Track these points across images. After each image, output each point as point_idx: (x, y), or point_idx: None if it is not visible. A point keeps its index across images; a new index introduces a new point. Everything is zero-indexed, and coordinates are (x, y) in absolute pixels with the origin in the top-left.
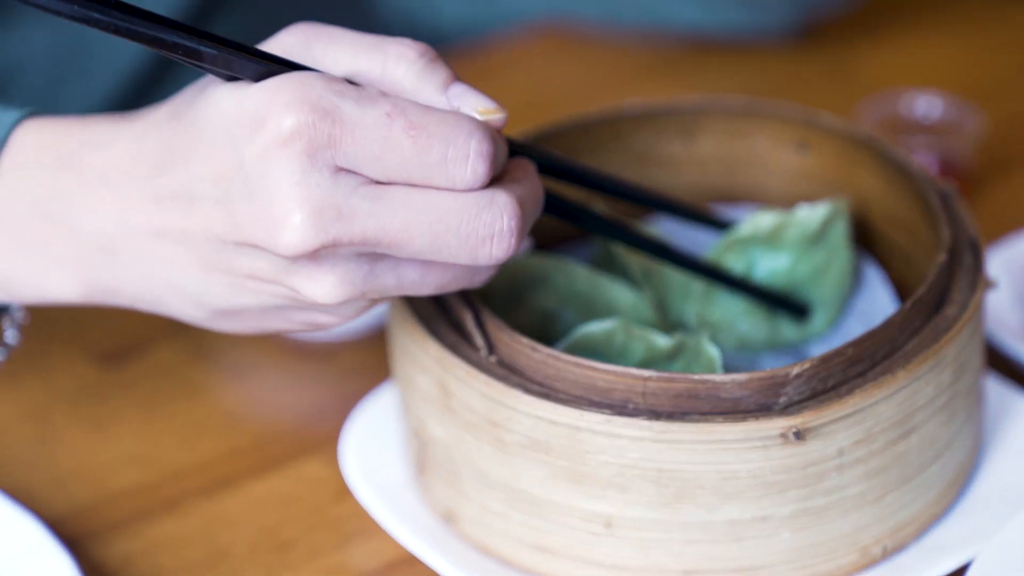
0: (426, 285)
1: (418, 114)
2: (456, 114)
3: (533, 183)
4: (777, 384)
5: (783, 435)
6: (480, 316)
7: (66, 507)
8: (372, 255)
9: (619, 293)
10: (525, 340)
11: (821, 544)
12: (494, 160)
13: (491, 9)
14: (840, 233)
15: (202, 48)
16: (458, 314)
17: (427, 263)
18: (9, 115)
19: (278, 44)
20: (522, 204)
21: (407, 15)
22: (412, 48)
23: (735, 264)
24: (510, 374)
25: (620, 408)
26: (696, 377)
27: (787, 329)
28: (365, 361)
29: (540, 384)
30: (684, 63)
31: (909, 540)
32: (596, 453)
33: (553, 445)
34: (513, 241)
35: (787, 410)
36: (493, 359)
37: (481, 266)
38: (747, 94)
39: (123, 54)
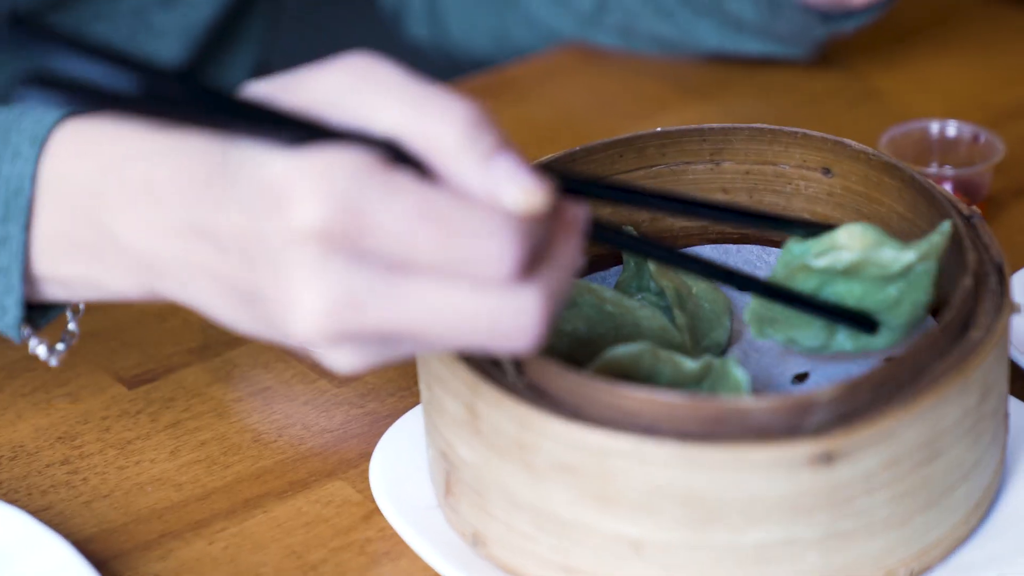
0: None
1: (448, 208)
2: (489, 211)
3: (569, 259)
4: (805, 408)
5: (811, 459)
6: None
7: (95, 528)
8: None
9: (647, 316)
10: (554, 364)
11: (847, 567)
12: (524, 258)
13: (506, 43)
14: (925, 271)
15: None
16: None
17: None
18: (49, 116)
19: (329, 78)
20: (552, 298)
21: (426, 47)
22: (461, 109)
23: (802, 285)
24: (539, 397)
25: (649, 431)
26: (725, 401)
27: (844, 339)
28: (390, 382)
29: (569, 407)
30: (707, 84)
31: (935, 563)
32: (625, 476)
33: (582, 468)
34: (536, 338)
35: (815, 434)
36: (522, 382)
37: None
38: (769, 119)
39: None
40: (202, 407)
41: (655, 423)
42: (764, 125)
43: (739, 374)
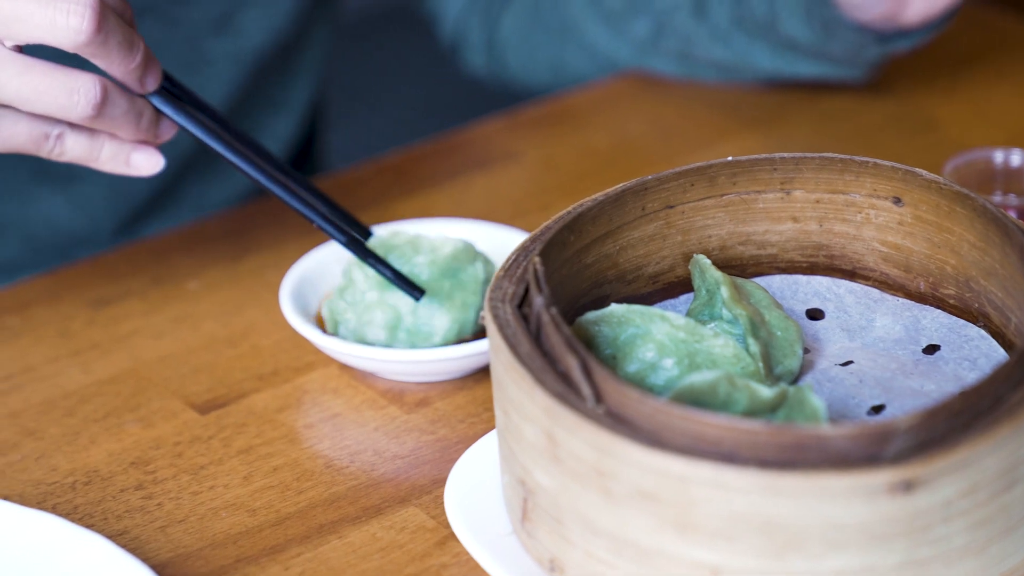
0: (26, 85)
1: None
2: None
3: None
4: (884, 436)
5: (890, 487)
6: (588, 365)
7: (171, 553)
8: None
9: (721, 344)
10: (634, 390)
11: None
12: (99, 14)
13: (564, 72)
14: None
15: None
16: (565, 364)
17: (28, 63)
18: None
19: None
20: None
21: (484, 77)
22: None
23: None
24: (618, 424)
25: (729, 458)
26: (805, 428)
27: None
28: (460, 409)
29: (648, 434)
30: (764, 112)
31: None
32: (705, 503)
33: (662, 495)
34: (90, 15)
35: (894, 462)
36: (601, 409)
37: (80, 87)
38: (827, 148)
39: None
40: (273, 433)
41: (735, 450)
42: (835, 154)
43: (816, 402)
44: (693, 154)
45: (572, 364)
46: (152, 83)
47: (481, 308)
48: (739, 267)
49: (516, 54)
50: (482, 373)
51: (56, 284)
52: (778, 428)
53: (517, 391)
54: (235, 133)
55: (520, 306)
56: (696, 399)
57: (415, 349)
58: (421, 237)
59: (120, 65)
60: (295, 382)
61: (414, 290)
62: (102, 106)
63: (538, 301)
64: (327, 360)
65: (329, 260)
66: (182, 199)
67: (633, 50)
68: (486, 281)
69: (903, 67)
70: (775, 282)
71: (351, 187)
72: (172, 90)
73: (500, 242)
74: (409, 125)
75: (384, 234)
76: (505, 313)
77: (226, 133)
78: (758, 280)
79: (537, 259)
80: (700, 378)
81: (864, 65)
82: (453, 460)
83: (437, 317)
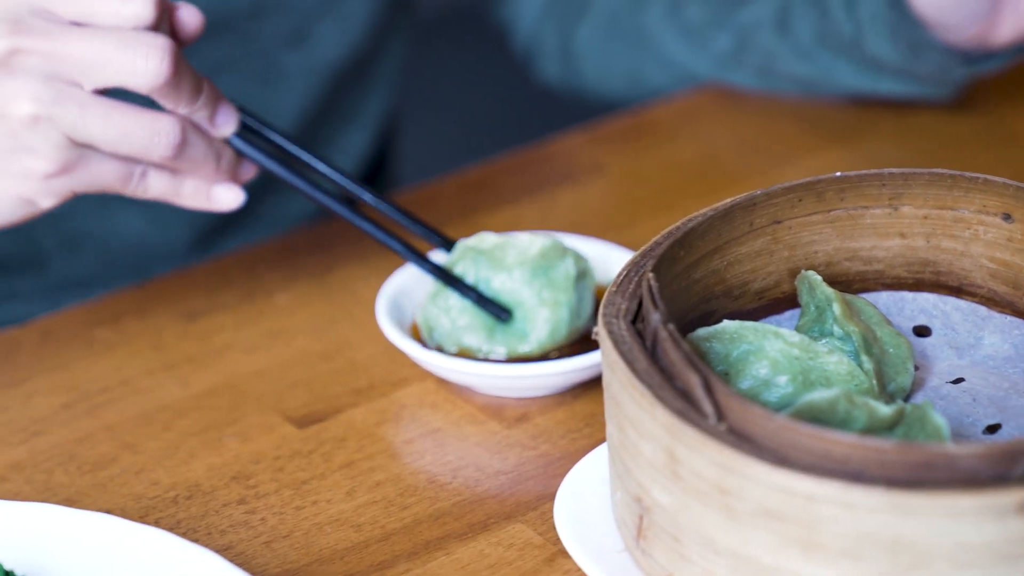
0: (111, 127)
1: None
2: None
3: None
4: (1013, 455)
5: (1019, 506)
6: (710, 382)
7: (277, 568)
8: (59, 81)
9: (835, 362)
10: (758, 408)
11: None
12: (175, 58)
13: (640, 84)
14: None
15: None
16: (684, 381)
17: (111, 105)
18: None
19: None
20: (175, 52)
21: (558, 87)
22: None
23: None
24: (741, 441)
25: (857, 477)
26: (933, 447)
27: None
28: (560, 424)
29: (772, 452)
30: (846, 126)
31: None
32: (831, 522)
33: (786, 513)
34: (167, 58)
35: (1023, 481)
36: (723, 426)
37: (161, 128)
38: (909, 162)
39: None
40: (373, 448)
41: (863, 469)
42: (944, 170)
43: (939, 420)
44: (777, 168)
45: (693, 381)
46: (225, 124)
47: (575, 305)
48: (845, 283)
49: (591, 64)
50: (580, 388)
51: (146, 297)
52: (906, 447)
53: (635, 408)
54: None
55: (633, 322)
56: (815, 417)
57: (515, 365)
58: (508, 239)
59: (187, 106)
60: (392, 396)
61: (501, 311)
62: (182, 147)
63: (655, 317)
64: (423, 374)
65: (421, 275)
66: (259, 215)
67: (713, 64)
68: (578, 277)
69: (987, 82)
70: (881, 298)
71: (434, 201)
72: (250, 123)
73: (593, 256)
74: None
75: (471, 241)
76: (620, 329)
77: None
78: (864, 296)
79: (651, 275)
80: (820, 396)
81: (950, 85)
82: (557, 476)
83: (531, 317)
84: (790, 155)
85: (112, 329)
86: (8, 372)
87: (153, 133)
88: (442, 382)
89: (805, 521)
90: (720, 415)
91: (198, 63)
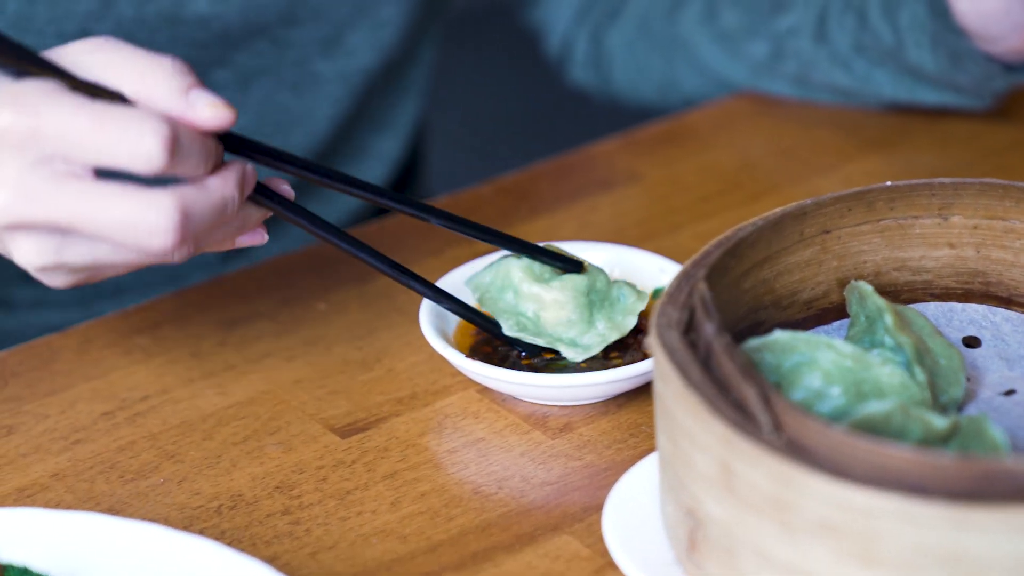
0: (118, 265)
1: (106, 107)
2: (142, 109)
3: (213, 186)
4: None
5: None
6: (766, 394)
7: None
8: (63, 230)
9: (888, 373)
10: (817, 420)
11: None
12: (171, 141)
13: (673, 90)
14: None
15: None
16: (739, 392)
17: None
18: None
19: (75, 46)
20: (186, 205)
21: (590, 91)
22: (167, 61)
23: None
24: (798, 454)
25: (916, 491)
26: (993, 461)
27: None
28: (604, 434)
29: (829, 465)
30: (884, 134)
31: None
32: (890, 536)
33: (844, 527)
34: (174, 237)
35: None
36: (779, 439)
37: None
38: (949, 171)
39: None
40: (417, 458)
41: (922, 483)
42: (995, 180)
43: (997, 433)
44: (816, 176)
45: (749, 393)
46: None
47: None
48: (893, 293)
49: (623, 69)
50: (623, 397)
51: (183, 305)
52: (966, 460)
53: (689, 419)
54: (333, 175)
55: (685, 332)
56: (872, 429)
57: (558, 374)
58: (519, 294)
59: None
60: (434, 406)
61: (493, 325)
62: (196, 249)
63: (708, 328)
64: (465, 383)
65: (458, 284)
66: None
67: (748, 71)
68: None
69: None
70: (930, 309)
71: (472, 208)
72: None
73: (635, 266)
74: (505, 135)
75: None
76: (672, 340)
77: (326, 177)
78: (913, 307)
79: (703, 285)
80: (876, 408)
81: (989, 95)
82: (603, 487)
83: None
84: (828, 163)
85: (150, 337)
86: (47, 380)
87: (165, 255)
88: (484, 391)
89: (863, 535)
90: (777, 427)
91: (232, 72)
